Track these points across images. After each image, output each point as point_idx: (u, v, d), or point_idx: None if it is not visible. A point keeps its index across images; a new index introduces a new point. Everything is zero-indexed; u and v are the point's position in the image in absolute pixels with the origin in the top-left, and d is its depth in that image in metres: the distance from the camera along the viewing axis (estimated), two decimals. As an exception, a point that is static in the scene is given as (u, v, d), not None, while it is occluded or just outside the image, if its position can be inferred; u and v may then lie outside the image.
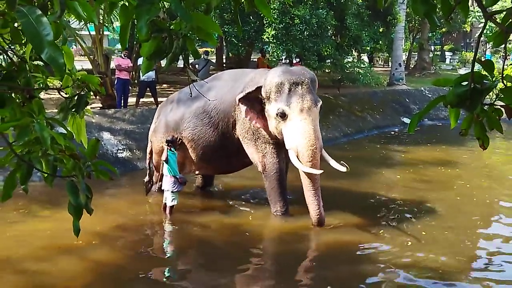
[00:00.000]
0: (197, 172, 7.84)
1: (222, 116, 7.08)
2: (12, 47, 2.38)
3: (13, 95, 2.19)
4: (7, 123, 2.06)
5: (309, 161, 6.36)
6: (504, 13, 1.70)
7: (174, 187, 6.96)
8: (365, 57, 23.35)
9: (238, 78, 7.32)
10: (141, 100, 12.62)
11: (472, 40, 38.04)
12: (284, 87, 6.47)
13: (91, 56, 12.93)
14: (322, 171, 6.37)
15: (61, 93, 2.33)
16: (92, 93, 2.44)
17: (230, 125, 7.08)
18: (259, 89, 6.65)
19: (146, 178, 7.71)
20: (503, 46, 1.80)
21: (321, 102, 6.65)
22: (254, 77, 7.01)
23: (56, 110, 2.43)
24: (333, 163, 6.57)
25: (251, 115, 6.62)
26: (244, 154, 7.11)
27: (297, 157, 6.44)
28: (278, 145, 6.87)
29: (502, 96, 1.75)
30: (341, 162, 6.43)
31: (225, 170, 7.98)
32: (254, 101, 6.65)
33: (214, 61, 20.96)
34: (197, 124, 7.16)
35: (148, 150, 7.85)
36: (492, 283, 5.35)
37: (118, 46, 27.59)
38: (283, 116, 6.45)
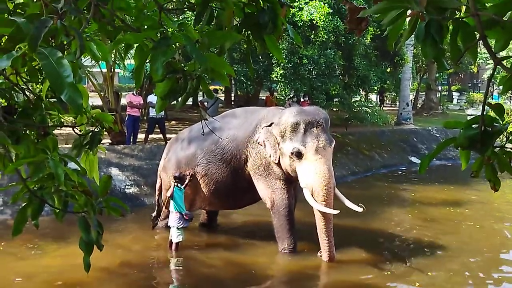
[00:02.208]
0: (207, 208, 7.84)
1: (234, 152, 7.16)
2: (29, 84, 2.43)
3: (27, 131, 2.23)
4: (22, 159, 2.09)
5: (324, 200, 6.44)
6: (513, 58, 1.73)
7: (179, 223, 6.95)
8: (373, 97, 23.52)
9: (250, 115, 7.45)
10: (150, 136, 12.71)
11: (479, 80, 38.32)
12: (300, 127, 6.58)
13: (101, 93, 13.11)
14: (338, 211, 6.42)
15: (75, 130, 2.37)
16: (105, 130, 2.47)
17: (242, 161, 7.16)
18: (272, 125, 6.78)
19: (154, 214, 7.75)
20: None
21: (334, 142, 6.77)
22: (267, 115, 7.14)
23: (66, 145, 2.46)
24: (347, 203, 6.69)
25: (268, 146, 6.74)
26: (254, 190, 7.15)
27: (312, 195, 6.48)
28: (288, 181, 6.96)
29: (513, 139, 1.77)
30: (359, 204, 6.50)
31: (235, 206, 8.00)
32: (270, 135, 6.78)
33: (223, 99, 21.20)
34: (210, 160, 7.23)
35: (157, 186, 7.88)
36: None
37: (128, 83, 28.02)
38: (298, 155, 6.54)
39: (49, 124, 2.30)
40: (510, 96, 26.41)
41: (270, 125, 6.83)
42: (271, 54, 12.76)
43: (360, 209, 6.47)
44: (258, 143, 6.91)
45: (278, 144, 6.74)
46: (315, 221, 6.63)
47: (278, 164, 6.84)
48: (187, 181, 7.21)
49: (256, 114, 7.41)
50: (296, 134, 6.60)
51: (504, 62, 1.74)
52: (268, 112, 7.28)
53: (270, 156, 6.77)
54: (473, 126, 1.80)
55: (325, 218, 6.52)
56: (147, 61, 1.92)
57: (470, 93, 33.65)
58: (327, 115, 7.00)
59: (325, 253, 6.61)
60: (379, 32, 14.47)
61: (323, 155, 6.53)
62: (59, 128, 2.49)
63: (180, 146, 7.69)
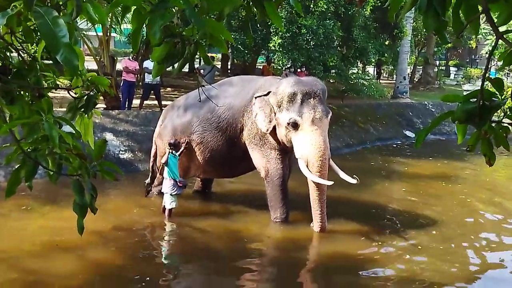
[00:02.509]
0: (201, 176, 7.86)
1: (231, 120, 7.15)
2: (24, 45, 2.39)
3: (22, 92, 2.21)
4: (16, 120, 2.08)
5: (319, 171, 6.47)
6: (515, 32, 1.71)
7: (173, 190, 6.98)
8: (370, 69, 23.41)
9: (247, 84, 7.41)
10: (145, 102, 12.65)
11: (477, 56, 38.13)
12: (297, 97, 6.56)
13: (97, 57, 12.97)
14: (332, 182, 6.45)
15: (71, 93, 2.35)
16: (100, 95, 2.45)
17: (238, 130, 7.15)
18: (269, 94, 6.75)
19: (148, 180, 7.76)
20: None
21: (331, 113, 6.76)
22: (264, 84, 7.10)
23: (61, 109, 2.44)
24: (342, 174, 6.73)
25: (262, 117, 6.71)
26: (249, 159, 7.17)
27: (307, 166, 6.50)
28: (283, 151, 6.98)
29: (510, 114, 1.76)
30: (353, 175, 6.54)
31: (229, 175, 8.03)
32: (265, 105, 6.74)
33: (219, 67, 21.03)
34: (206, 128, 7.22)
35: (152, 153, 7.86)
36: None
37: (124, 48, 27.69)
38: (294, 125, 6.53)
39: (44, 86, 2.27)
40: (507, 73, 26.33)
41: (266, 94, 6.79)
42: (269, 23, 12.63)
43: (354, 181, 6.51)
44: (249, 113, 6.89)
45: (275, 113, 6.72)
46: (309, 191, 6.67)
47: (273, 134, 6.83)
48: (182, 148, 7.21)
49: (253, 83, 7.37)
50: (293, 104, 6.57)
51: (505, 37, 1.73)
52: (265, 81, 7.24)
53: (262, 127, 6.75)
54: (471, 100, 1.79)
55: (319, 189, 6.56)
56: (145, 25, 1.89)
57: (468, 68, 33.53)
58: (325, 86, 6.98)
59: (317, 223, 6.67)
60: (379, 3, 14.32)
61: (319, 126, 6.53)
62: (54, 90, 2.46)
63: (176, 113, 7.66)
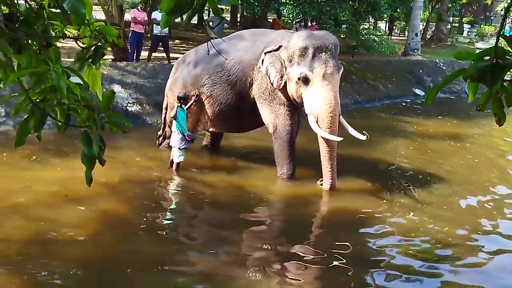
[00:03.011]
0: (210, 130, 7.88)
1: (240, 74, 7.08)
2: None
3: (29, 41, 2.19)
4: (24, 69, 2.07)
5: (329, 127, 6.43)
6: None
7: (181, 144, 7.00)
8: (382, 25, 23.01)
9: (258, 38, 7.29)
10: (153, 54, 12.55)
11: (492, 13, 37.26)
12: (308, 52, 6.46)
13: (105, 7, 12.79)
14: (341, 138, 6.44)
15: (78, 42, 2.32)
16: (108, 45, 2.43)
17: (248, 84, 7.09)
18: (281, 49, 6.64)
19: (160, 132, 7.80)
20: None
21: (342, 69, 6.67)
22: (275, 38, 6.98)
23: (68, 59, 2.43)
24: (351, 130, 6.68)
25: (274, 72, 6.62)
26: (258, 114, 7.12)
27: (317, 122, 6.48)
28: (292, 107, 6.93)
29: (524, 73, 1.74)
30: (363, 132, 6.52)
31: (238, 129, 8.00)
32: (276, 60, 6.65)
33: (228, 19, 20.73)
34: (216, 81, 7.17)
35: (164, 105, 7.84)
36: (492, 255, 5.42)
37: (132, -2, 27.25)
38: (305, 80, 6.45)
39: (52, 35, 2.25)
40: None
41: (278, 49, 6.68)
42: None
43: (363, 137, 6.48)
44: (259, 68, 6.81)
45: (286, 68, 6.64)
46: (318, 148, 6.65)
47: (283, 89, 6.76)
48: (191, 101, 7.20)
49: (265, 37, 7.25)
50: (304, 58, 6.48)
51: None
52: (277, 35, 7.12)
53: (273, 83, 6.66)
54: (485, 58, 1.76)
55: (328, 145, 6.52)
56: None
57: (482, 25, 32.86)
58: (337, 41, 6.87)
59: (327, 180, 6.63)
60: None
61: (330, 81, 6.45)
62: (61, 40, 2.44)
63: (187, 66, 7.61)
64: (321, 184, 6.78)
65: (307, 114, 6.65)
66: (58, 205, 5.71)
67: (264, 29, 8.85)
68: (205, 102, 7.32)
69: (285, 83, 6.69)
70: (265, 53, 6.71)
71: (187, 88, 7.33)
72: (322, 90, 6.42)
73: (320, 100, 6.43)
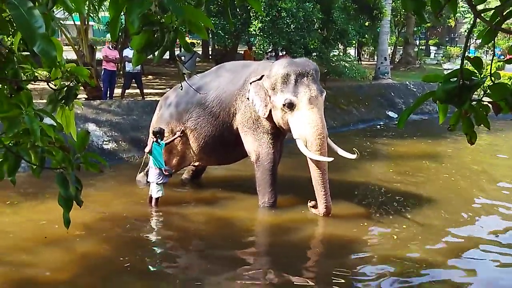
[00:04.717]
0: (196, 164, 7.86)
1: (223, 106, 7.15)
2: (0, 37, 2.35)
3: (0, 86, 2.17)
4: (-5, 114, 2.04)
5: (318, 150, 6.49)
6: (493, 11, 1.72)
7: (159, 179, 6.96)
8: (351, 51, 23.43)
9: (240, 69, 7.41)
10: (127, 91, 12.54)
11: (456, 35, 38.41)
12: (290, 78, 6.57)
13: (76, 47, 12.79)
14: (332, 158, 6.49)
15: (50, 84, 2.31)
16: (80, 85, 2.42)
17: (231, 115, 7.15)
18: (263, 78, 6.75)
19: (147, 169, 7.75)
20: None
21: (325, 92, 6.82)
22: (257, 68, 7.10)
23: (41, 101, 2.41)
24: (340, 151, 6.77)
25: (259, 102, 6.70)
26: (242, 145, 7.17)
27: (305, 146, 6.53)
28: (276, 136, 7.02)
29: (490, 92, 1.78)
30: (354, 148, 6.63)
31: (223, 161, 8.00)
32: (260, 90, 6.75)
33: (200, 52, 20.88)
34: (200, 114, 7.23)
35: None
36: (473, 271, 5.48)
37: (103, 36, 27.29)
38: (290, 106, 6.53)
39: (23, 78, 2.24)
40: (486, 50, 26.58)
41: (260, 79, 6.78)
42: (249, 7, 12.55)
43: (354, 156, 6.55)
44: (247, 99, 6.87)
45: (270, 97, 6.71)
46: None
47: (269, 118, 6.82)
48: (175, 136, 7.22)
49: (246, 68, 7.37)
50: (287, 85, 6.58)
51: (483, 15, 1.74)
52: (258, 66, 7.24)
53: (259, 112, 6.72)
54: (452, 79, 1.81)
55: (320, 168, 6.56)
56: (123, 13, 1.87)
57: (448, 47, 33.78)
58: (317, 66, 7.05)
59: (322, 205, 6.63)
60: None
61: (315, 104, 6.54)
62: (33, 82, 2.43)
63: (172, 100, 7.66)
64: (312, 207, 6.79)
65: (294, 139, 6.69)
66: (35, 249, 5.58)
67: (246, 60, 8.94)
68: (190, 136, 7.36)
69: (270, 111, 6.76)
70: (251, 83, 6.81)
71: (172, 123, 7.37)
72: (308, 114, 6.50)
73: (307, 124, 6.51)
